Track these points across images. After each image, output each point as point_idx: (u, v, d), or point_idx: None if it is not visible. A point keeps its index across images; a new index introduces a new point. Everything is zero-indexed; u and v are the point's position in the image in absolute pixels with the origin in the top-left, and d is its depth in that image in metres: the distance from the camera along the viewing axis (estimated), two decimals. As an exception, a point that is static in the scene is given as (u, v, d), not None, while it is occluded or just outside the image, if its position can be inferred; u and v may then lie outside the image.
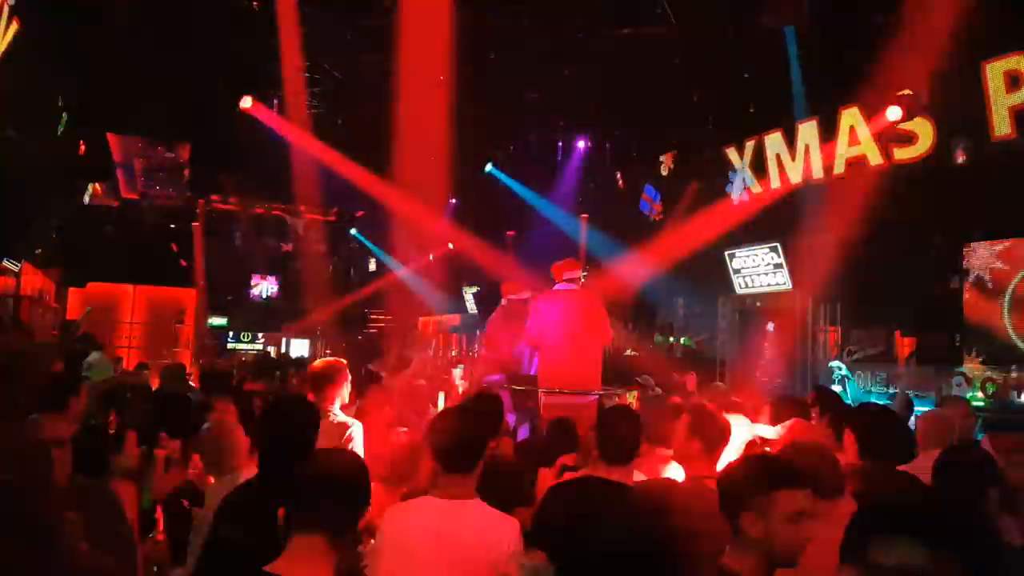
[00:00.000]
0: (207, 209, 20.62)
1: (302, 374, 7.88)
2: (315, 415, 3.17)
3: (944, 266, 10.09)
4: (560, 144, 15.88)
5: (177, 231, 19.76)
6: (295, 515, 2.10)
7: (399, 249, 21.72)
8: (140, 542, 3.05)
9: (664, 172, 13.72)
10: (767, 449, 3.55)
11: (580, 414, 5.10)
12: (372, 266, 24.12)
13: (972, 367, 9.35)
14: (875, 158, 9.89)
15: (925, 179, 9.61)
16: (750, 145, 11.70)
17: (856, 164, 10.13)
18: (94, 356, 9.82)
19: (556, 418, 4.45)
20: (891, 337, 10.86)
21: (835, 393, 5.92)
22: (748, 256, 11.70)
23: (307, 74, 13.96)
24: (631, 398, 6.41)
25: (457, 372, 7.44)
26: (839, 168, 10.36)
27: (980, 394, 8.57)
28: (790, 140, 11.02)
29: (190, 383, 8.32)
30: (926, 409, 5.81)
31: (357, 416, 4.52)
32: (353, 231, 22.34)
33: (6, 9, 9.16)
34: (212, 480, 3.61)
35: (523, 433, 5.76)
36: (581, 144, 15.32)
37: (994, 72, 8.50)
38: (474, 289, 18.08)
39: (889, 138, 9.63)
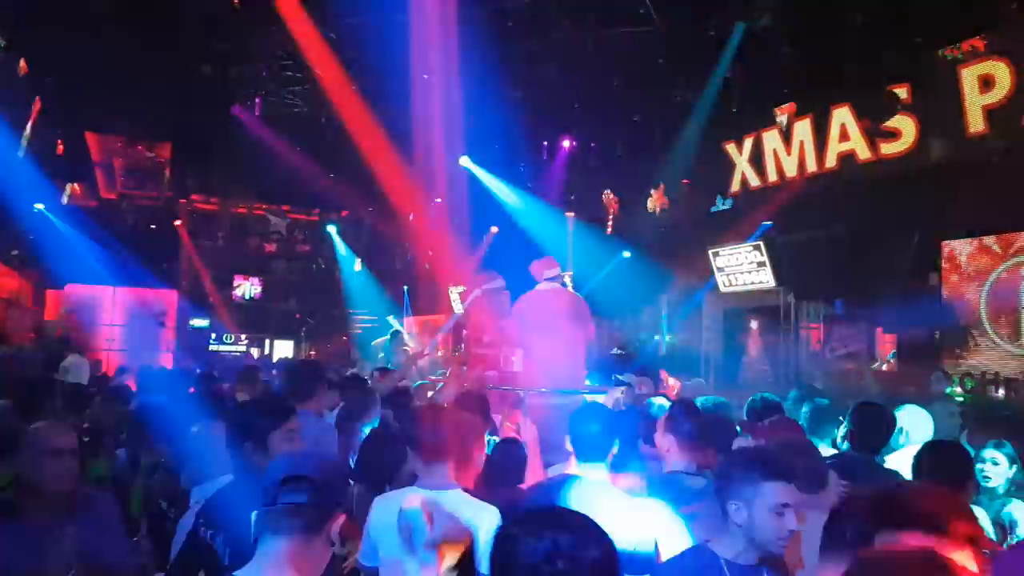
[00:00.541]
0: (188, 209, 20.47)
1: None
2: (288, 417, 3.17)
3: (924, 264, 10.19)
4: (545, 144, 15.89)
5: (158, 232, 19.59)
6: (262, 518, 2.07)
7: (383, 247, 21.71)
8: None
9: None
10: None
11: (564, 413, 5.08)
12: (357, 266, 24.04)
13: (951, 363, 9.45)
14: (863, 152, 10.32)
15: (904, 177, 9.75)
16: (749, 141, 11.91)
17: (846, 158, 10.54)
18: (71, 359, 9.71)
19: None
20: (872, 334, 10.95)
21: (816, 390, 5.93)
22: (732, 254, 11.76)
23: (289, 73, 13.90)
24: (613, 397, 6.41)
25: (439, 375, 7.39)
26: (831, 162, 10.71)
27: (959, 389, 8.65)
28: (786, 136, 11.39)
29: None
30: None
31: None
32: (330, 227, 22.15)
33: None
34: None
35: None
36: (567, 143, 15.34)
37: (969, 75, 8.90)
38: (460, 289, 18.04)
39: (876, 134, 9.95)
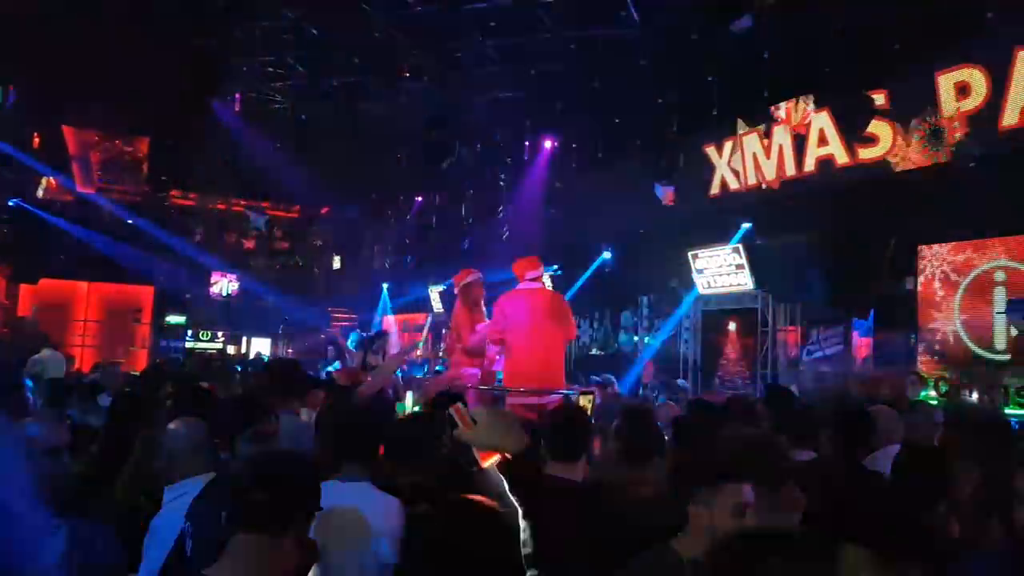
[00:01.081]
0: (166, 204, 20.27)
1: (261, 375, 7.75)
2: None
3: (901, 268, 10.30)
4: (527, 144, 15.90)
5: (134, 227, 19.37)
6: (232, 515, 2.05)
7: (363, 244, 21.62)
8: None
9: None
10: None
11: (541, 413, 5.09)
12: (336, 263, 23.92)
13: (926, 366, 9.56)
14: (841, 157, 10.41)
15: (882, 182, 9.86)
16: (729, 144, 11.98)
17: (824, 162, 10.64)
18: (46, 353, 9.57)
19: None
20: (849, 337, 11.05)
21: (788, 391, 5.98)
22: (711, 257, 11.82)
23: (271, 68, 13.82)
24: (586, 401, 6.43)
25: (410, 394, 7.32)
26: (809, 166, 10.80)
27: (933, 393, 8.75)
28: (766, 140, 11.47)
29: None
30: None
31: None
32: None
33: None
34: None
35: None
36: (548, 144, 15.35)
37: (946, 82, 9.03)
38: (440, 287, 18.01)
39: (854, 139, 10.07)
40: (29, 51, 11.88)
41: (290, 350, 20.95)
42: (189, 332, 20.31)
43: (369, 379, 5.49)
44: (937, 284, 9.70)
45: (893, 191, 9.75)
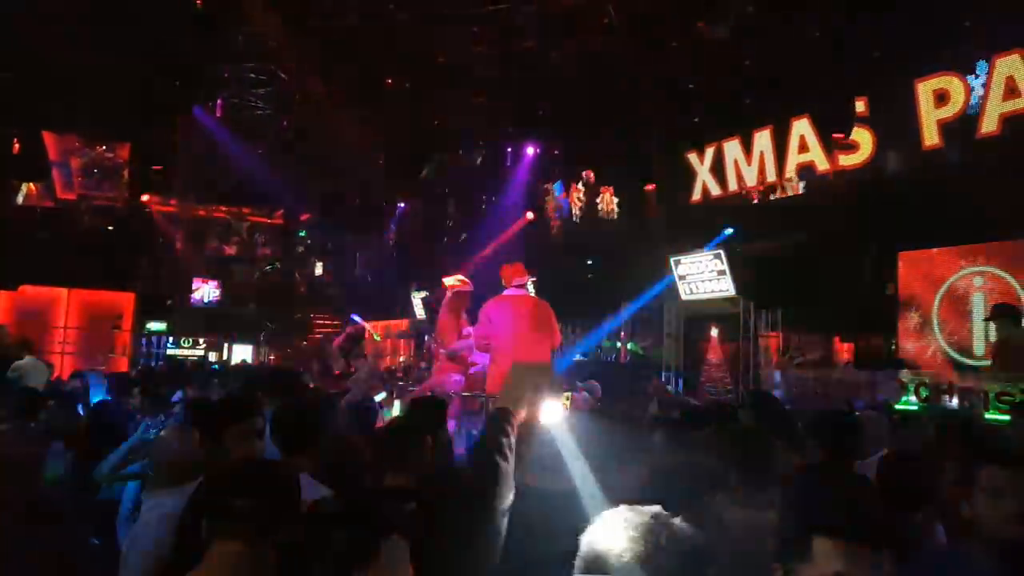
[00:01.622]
0: (147, 211, 20.11)
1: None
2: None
3: (881, 273, 10.38)
4: (509, 150, 15.94)
5: (115, 233, 19.22)
6: (213, 522, 2.05)
7: (346, 251, 21.53)
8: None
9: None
10: None
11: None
12: (318, 270, 23.83)
13: (906, 372, 9.62)
14: (822, 164, 10.50)
15: (862, 187, 9.96)
16: (710, 151, 12.06)
17: (805, 169, 10.73)
18: (28, 360, 9.44)
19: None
20: (830, 342, 11.12)
21: (772, 397, 6.02)
22: (693, 263, 11.87)
23: (252, 75, 13.77)
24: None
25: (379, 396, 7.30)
26: (790, 172, 10.92)
27: (914, 398, 8.81)
28: (747, 147, 11.55)
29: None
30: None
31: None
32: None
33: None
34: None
35: (460, 444, 5.58)
36: (530, 150, 15.39)
37: (924, 89, 9.12)
38: (422, 294, 17.97)
39: (834, 146, 10.19)
40: (9, 55, 11.79)
41: (272, 357, 20.85)
42: (171, 339, 20.15)
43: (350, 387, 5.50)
44: (917, 290, 9.79)
45: (873, 197, 9.85)
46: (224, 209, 21.58)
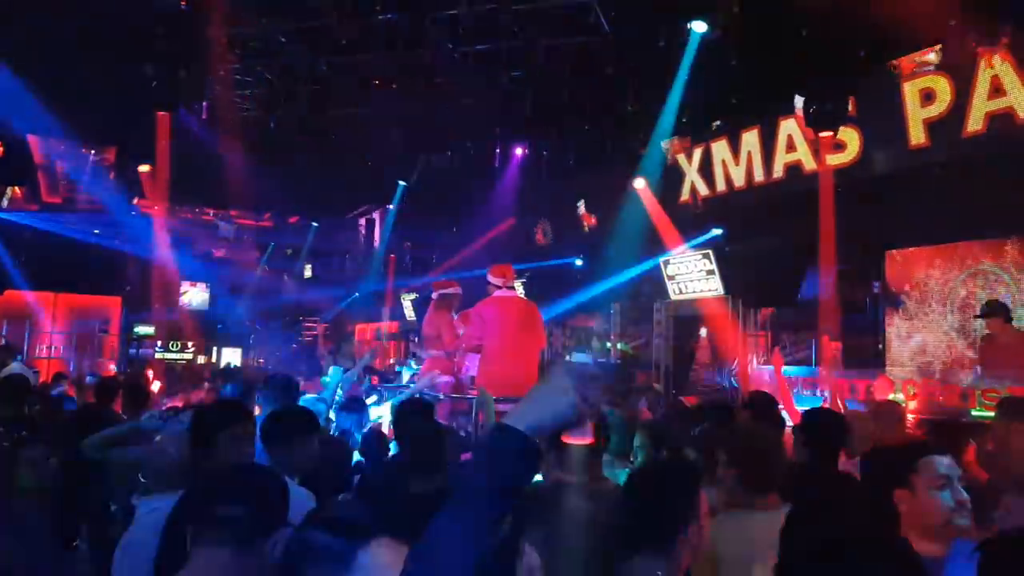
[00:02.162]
0: (133, 214, 19.97)
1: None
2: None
3: (869, 272, 10.42)
4: (498, 151, 15.91)
5: (101, 236, 19.08)
6: (199, 528, 2.02)
7: (334, 253, 21.45)
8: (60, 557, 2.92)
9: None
10: None
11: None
12: (307, 272, 23.75)
13: (894, 370, 9.67)
14: (809, 163, 10.50)
15: (849, 187, 9.98)
16: (698, 151, 12.07)
17: (793, 168, 10.74)
18: (14, 366, 9.40)
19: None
20: (818, 341, 11.16)
21: (770, 397, 6.03)
22: (682, 263, 11.90)
23: (238, 76, 13.69)
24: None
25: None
26: (778, 172, 10.89)
27: (901, 396, 8.85)
28: (734, 147, 11.56)
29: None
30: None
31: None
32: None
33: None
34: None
35: None
36: (519, 151, 15.38)
37: (911, 89, 9.15)
38: (412, 296, 17.96)
39: (822, 145, 10.23)
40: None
41: (260, 360, 20.76)
42: (158, 343, 20.04)
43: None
44: (904, 288, 9.84)
45: (861, 197, 9.88)
46: (211, 212, 21.48)
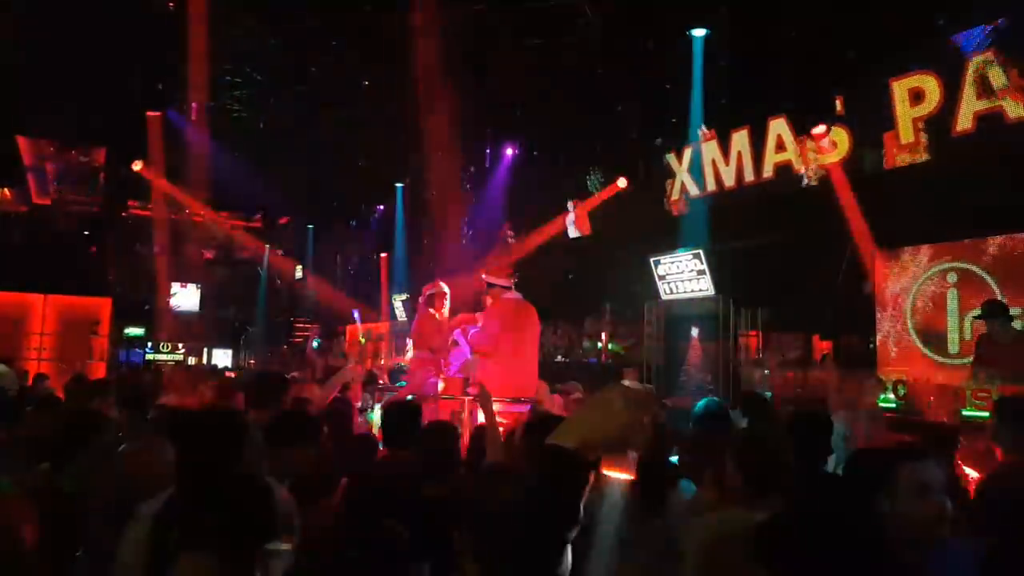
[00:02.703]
0: (124, 215, 19.93)
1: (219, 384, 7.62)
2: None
3: (858, 272, 10.44)
4: (488, 151, 15.91)
5: (91, 238, 19.02)
6: (181, 535, 2.01)
7: (326, 254, 21.40)
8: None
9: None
10: None
11: (517, 420, 5.09)
12: (298, 273, 23.71)
13: (885, 370, 9.68)
14: (799, 163, 10.58)
15: (839, 187, 10.02)
16: (688, 152, 12.14)
17: (782, 168, 10.80)
18: (1, 369, 9.33)
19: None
20: (809, 341, 11.18)
21: (764, 398, 6.05)
22: (672, 263, 11.90)
23: (228, 77, 13.66)
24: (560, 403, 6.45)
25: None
26: (768, 172, 10.94)
27: (892, 395, 8.88)
28: (724, 147, 11.60)
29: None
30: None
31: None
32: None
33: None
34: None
35: None
36: (509, 152, 15.38)
37: (899, 88, 9.20)
38: (403, 296, 17.93)
39: (811, 145, 10.29)
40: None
41: (251, 361, 20.70)
42: (149, 344, 19.97)
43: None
44: (893, 288, 9.85)
45: (851, 196, 9.91)
46: (202, 213, 21.42)
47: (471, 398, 6.07)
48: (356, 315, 14.93)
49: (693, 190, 12.11)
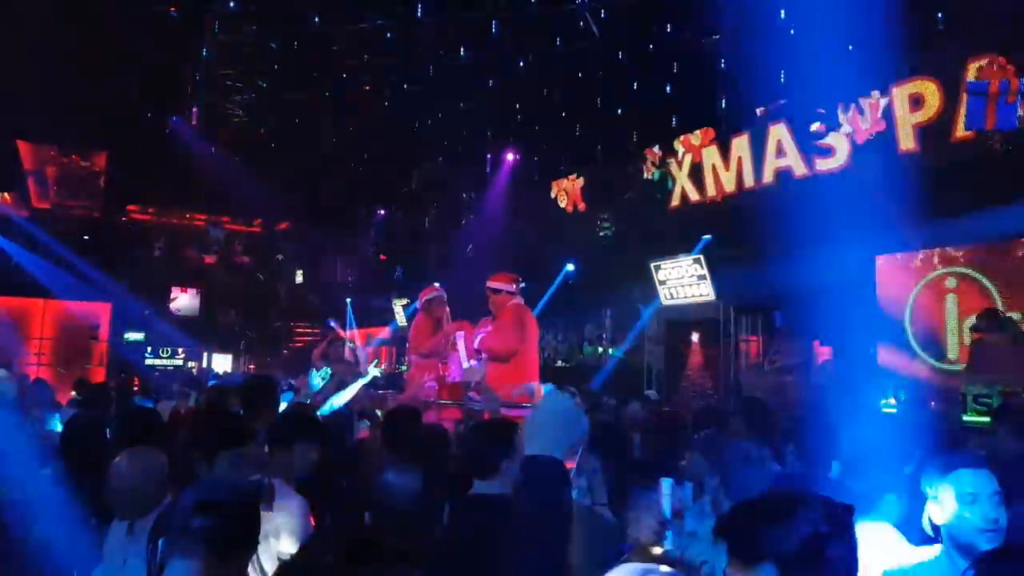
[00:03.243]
0: (124, 220, 19.93)
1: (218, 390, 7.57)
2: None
3: (859, 277, 10.43)
4: (489, 156, 15.92)
5: (92, 243, 19.00)
6: (172, 542, 2.01)
7: (326, 259, 21.40)
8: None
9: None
10: None
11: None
12: (299, 278, 23.69)
13: (885, 374, 9.67)
14: (799, 168, 10.54)
15: (839, 192, 10.00)
16: (688, 157, 12.13)
17: (783, 173, 10.78)
18: (2, 373, 9.31)
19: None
20: (810, 346, 11.17)
21: (763, 403, 6.03)
22: (673, 267, 11.90)
23: (229, 83, 13.69)
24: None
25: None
26: (768, 177, 10.91)
27: (892, 400, 8.87)
28: (724, 152, 11.60)
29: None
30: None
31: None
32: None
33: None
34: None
35: None
36: (510, 156, 15.38)
37: (900, 94, 9.22)
38: (403, 301, 17.92)
39: (811, 151, 10.29)
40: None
41: (251, 366, 20.67)
42: (148, 349, 19.95)
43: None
44: (893, 293, 9.85)
45: (849, 202, 9.89)
46: (202, 218, 21.43)
47: (477, 405, 6.06)
48: (332, 324, 14.86)
49: (694, 195, 12.10)
